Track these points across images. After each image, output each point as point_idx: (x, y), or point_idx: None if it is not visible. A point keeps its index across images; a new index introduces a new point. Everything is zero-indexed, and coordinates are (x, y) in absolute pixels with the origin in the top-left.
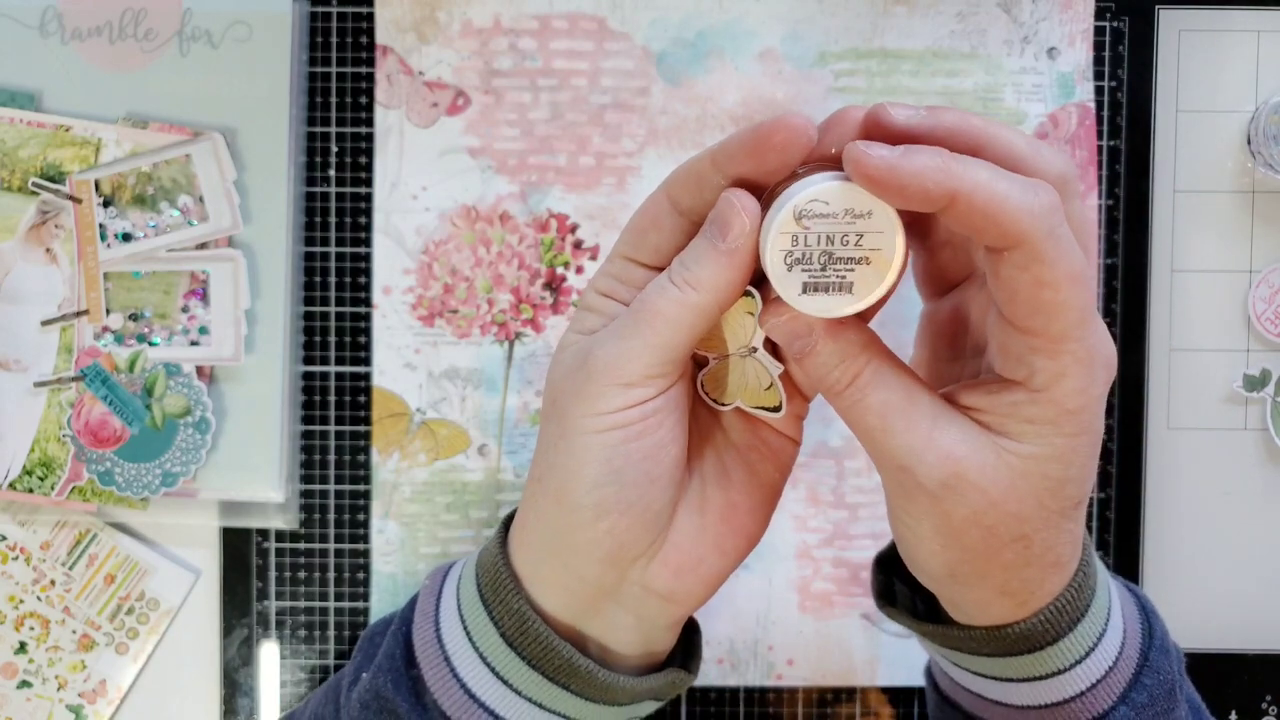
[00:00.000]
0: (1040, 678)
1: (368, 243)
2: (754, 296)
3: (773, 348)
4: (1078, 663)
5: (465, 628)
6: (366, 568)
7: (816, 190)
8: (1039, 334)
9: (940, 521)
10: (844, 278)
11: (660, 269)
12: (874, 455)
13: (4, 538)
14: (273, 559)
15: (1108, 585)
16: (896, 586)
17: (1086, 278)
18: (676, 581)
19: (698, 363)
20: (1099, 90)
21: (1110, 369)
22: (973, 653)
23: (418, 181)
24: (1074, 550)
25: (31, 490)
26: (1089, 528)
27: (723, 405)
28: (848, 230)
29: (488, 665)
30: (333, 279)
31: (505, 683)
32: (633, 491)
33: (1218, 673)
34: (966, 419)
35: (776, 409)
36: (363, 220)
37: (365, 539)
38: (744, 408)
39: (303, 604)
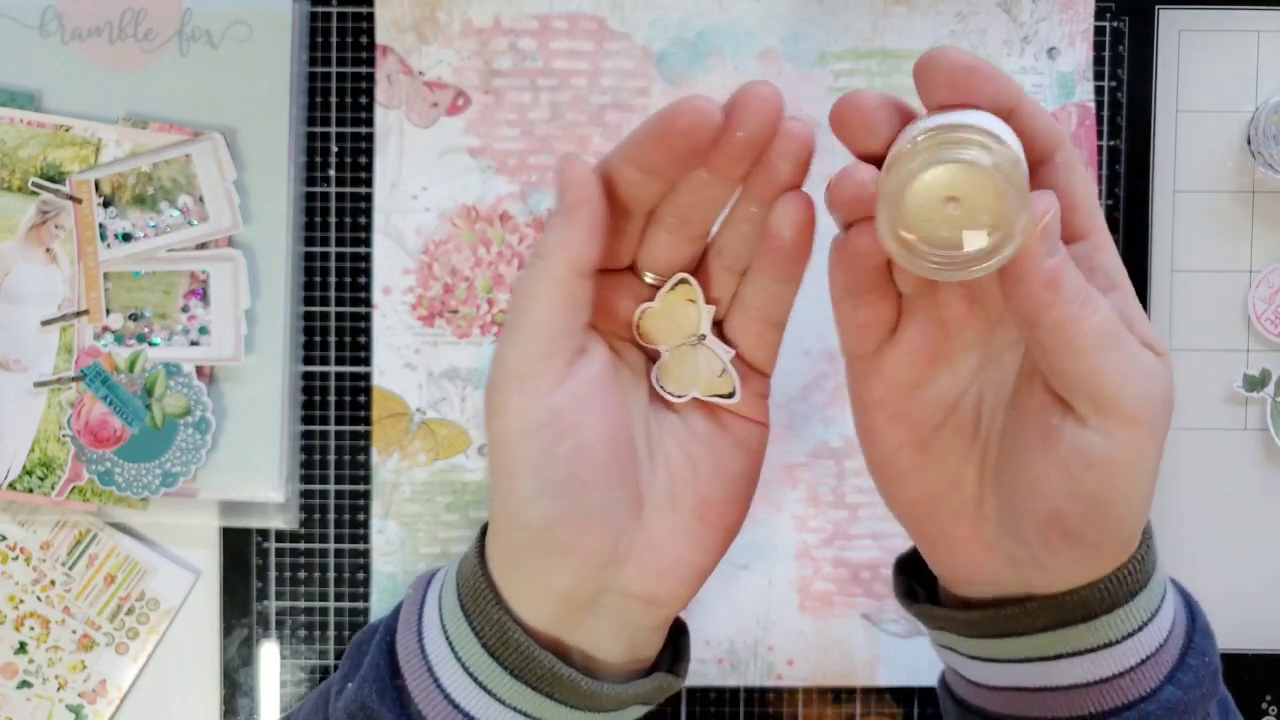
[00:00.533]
0: (1093, 649)
1: (368, 243)
2: (691, 284)
3: (720, 333)
4: (1133, 634)
5: (448, 638)
6: (366, 568)
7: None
8: (1098, 231)
9: (1123, 449)
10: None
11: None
12: (1064, 375)
13: (4, 538)
14: (273, 559)
15: (1162, 566)
16: (917, 591)
17: None
18: (657, 584)
19: (651, 358)
20: (1099, 90)
21: None
22: (1021, 633)
23: (418, 181)
24: None
25: (31, 490)
26: None
27: (679, 397)
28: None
29: (471, 675)
30: (333, 279)
31: (489, 692)
32: (568, 500)
33: None
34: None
35: (731, 395)
36: (363, 220)
37: (365, 539)
38: (700, 397)
39: (303, 604)
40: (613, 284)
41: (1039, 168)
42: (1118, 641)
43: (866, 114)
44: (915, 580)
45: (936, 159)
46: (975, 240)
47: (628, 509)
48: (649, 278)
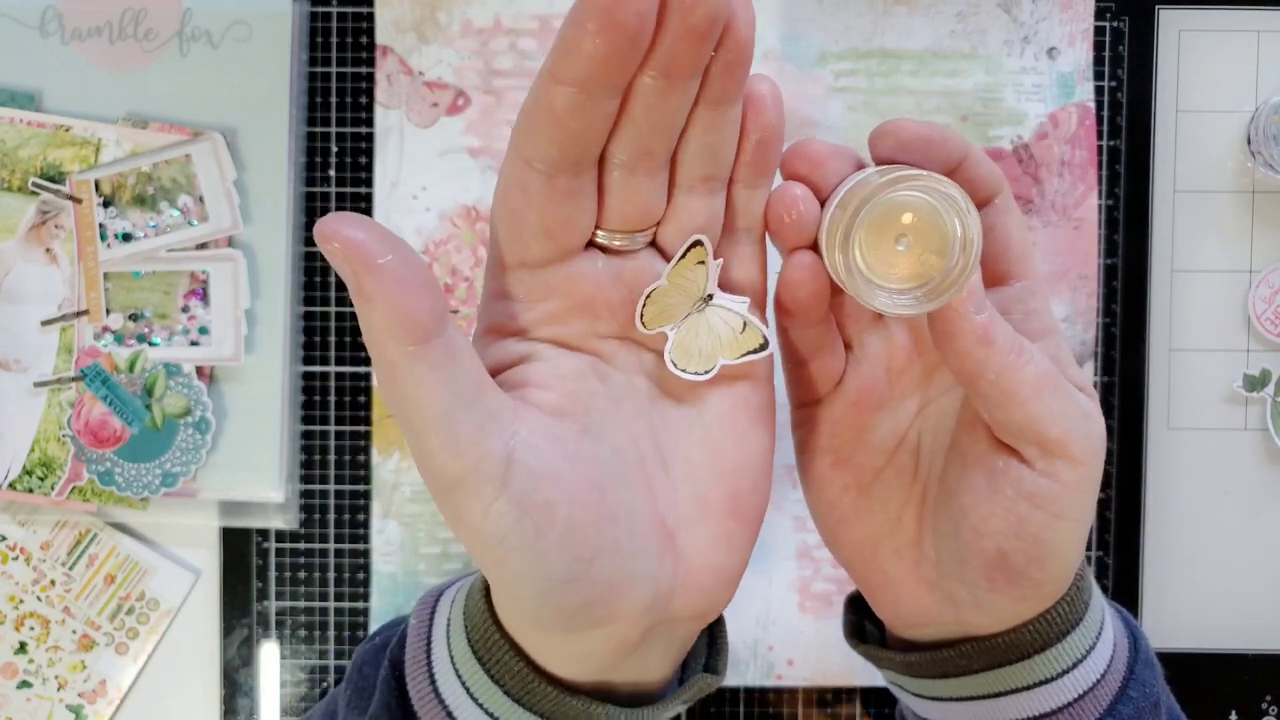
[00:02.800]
0: (1030, 686)
1: None
2: (704, 245)
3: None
4: (1069, 670)
5: (463, 684)
6: (366, 568)
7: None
8: (1031, 274)
9: (1069, 490)
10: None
11: (547, 263)
12: (1008, 424)
13: (4, 538)
14: (273, 559)
15: (1101, 603)
16: (868, 628)
17: None
18: (703, 601)
19: (649, 348)
20: (1099, 90)
21: None
22: (960, 674)
23: (418, 181)
24: None
25: (31, 490)
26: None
27: (706, 373)
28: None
29: None
30: (333, 279)
31: None
32: (581, 586)
33: (1218, 673)
34: None
35: (763, 346)
36: None
37: (365, 539)
38: (729, 363)
39: (303, 604)
40: (571, 274)
41: (979, 209)
42: (1054, 678)
43: (817, 160)
44: (869, 618)
45: (898, 189)
46: (921, 276)
47: (653, 548)
48: (617, 241)
